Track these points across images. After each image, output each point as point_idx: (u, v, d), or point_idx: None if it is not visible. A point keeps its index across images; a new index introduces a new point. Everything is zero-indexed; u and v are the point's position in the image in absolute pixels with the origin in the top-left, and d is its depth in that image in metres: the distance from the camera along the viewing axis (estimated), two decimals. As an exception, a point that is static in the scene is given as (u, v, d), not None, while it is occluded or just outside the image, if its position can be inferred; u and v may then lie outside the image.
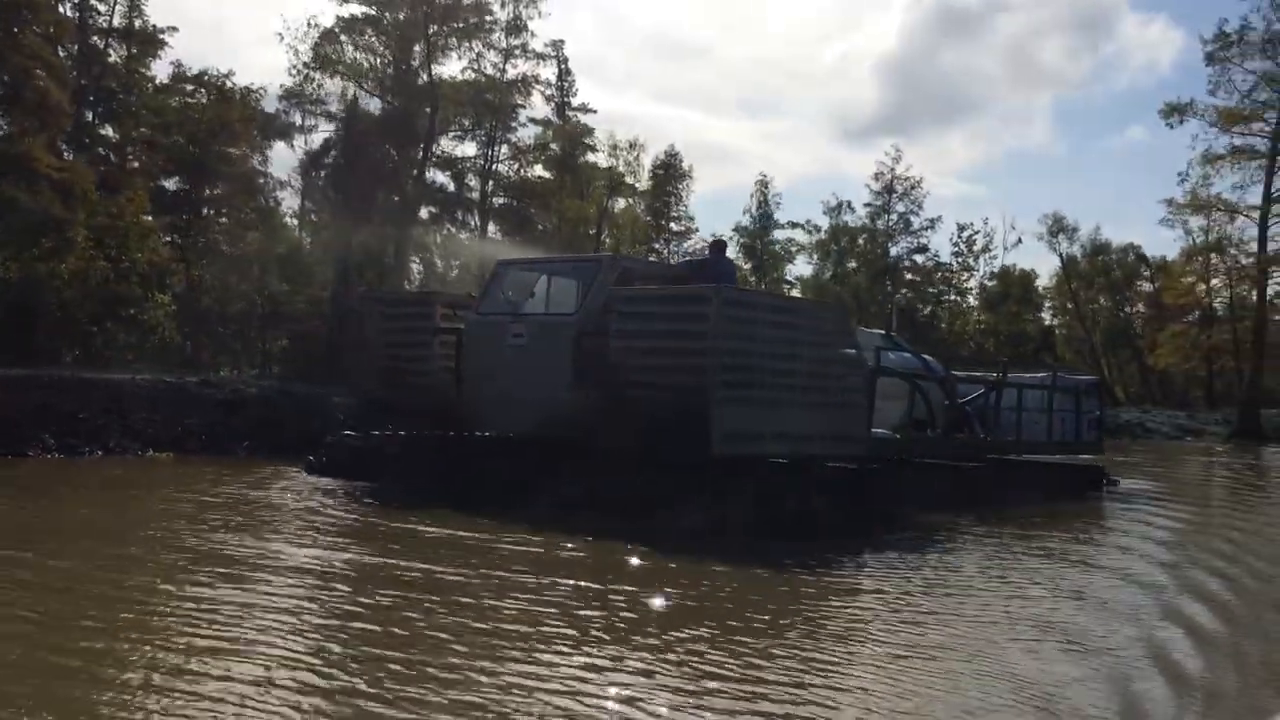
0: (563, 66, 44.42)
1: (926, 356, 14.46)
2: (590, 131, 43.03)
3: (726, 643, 5.70)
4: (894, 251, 55.07)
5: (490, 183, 42.81)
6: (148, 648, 5.15)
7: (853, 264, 55.14)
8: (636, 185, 43.51)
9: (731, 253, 48.52)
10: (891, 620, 6.55)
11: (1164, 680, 5.36)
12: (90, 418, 14.81)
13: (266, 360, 32.78)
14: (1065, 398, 15.78)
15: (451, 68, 40.26)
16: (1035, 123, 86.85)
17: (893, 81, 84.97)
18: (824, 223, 55.43)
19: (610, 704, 4.64)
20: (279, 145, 39.49)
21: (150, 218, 30.88)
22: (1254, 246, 40.31)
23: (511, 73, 41.92)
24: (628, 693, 4.77)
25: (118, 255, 29.98)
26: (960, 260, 57.55)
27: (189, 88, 36.48)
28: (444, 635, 5.63)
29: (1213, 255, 42.01)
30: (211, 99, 34.86)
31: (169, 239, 32.56)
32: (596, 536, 8.98)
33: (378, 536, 8.98)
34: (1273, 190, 38.84)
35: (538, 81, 42.65)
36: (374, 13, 38.78)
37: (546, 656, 5.30)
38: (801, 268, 57.12)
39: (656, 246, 43.40)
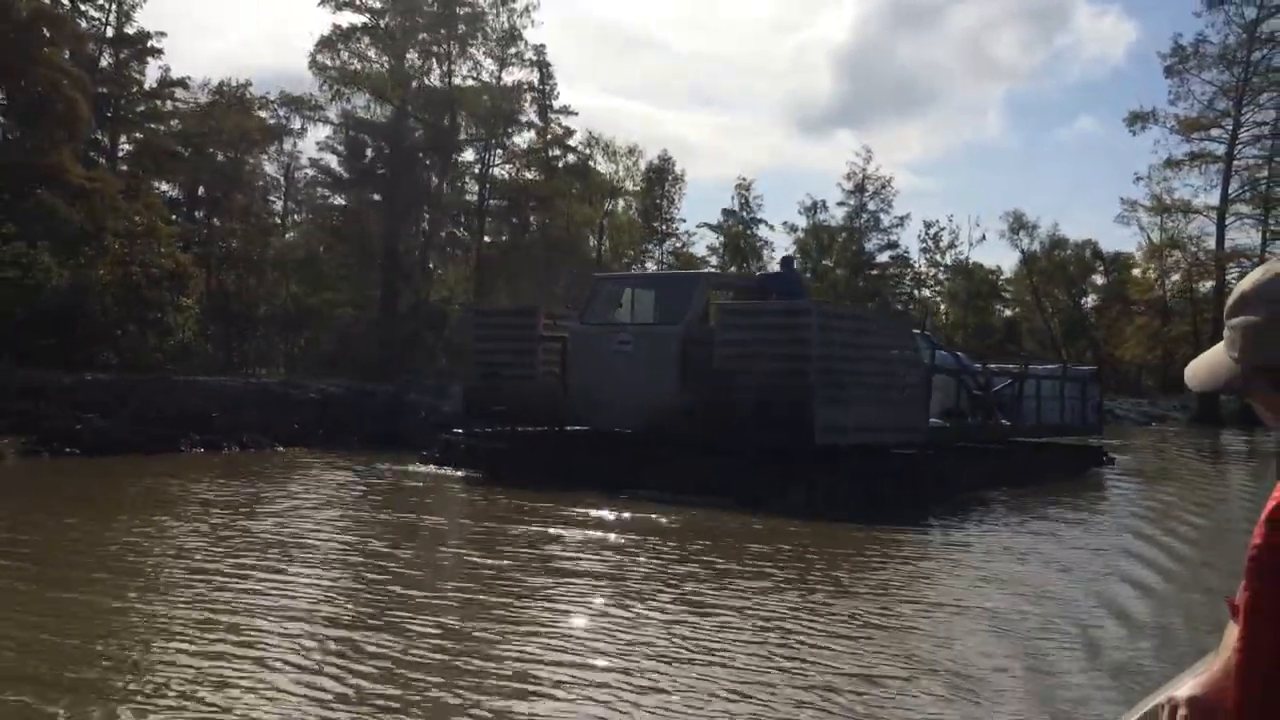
0: (544, 70, 46.06)
1: (959, 353, 16.55)
2: (572, 134, 44.60)
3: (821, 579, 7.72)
4: (867, 248, 57.48)
5: (488, 186, 44.43)
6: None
7: (829, 261, 57.41)
8: (630, 188, 45.27)
9: (714, 241, 50.36)
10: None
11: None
12: (220, 417, 16.45)
13: (291, 361, 34.17)
14: (1073, 386, 17.97)
15: (455, 77, 41.69)
16: (989, 115, 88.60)
17: (848, 73, 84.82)
18: (801, 221, 57.59)
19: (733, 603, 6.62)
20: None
21: (162, 223, 32.15)
22: (1209, 243, 43.25)
23: (507, 79, 43.48)
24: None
25: (145, 260, 31.30)
26: (929, 257, 60.15)
27: (186, 94, 37.45)
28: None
29: (1174, 252, 44.79)
30: (231, 108, 36.11)
31: (184, 245, 33.83)
32: (706, 509, 10.96)
33: (520, 511, 10.88)
34: (1229, 191, 41.72)
35: (533, 88, 44.30)
36: (369, 20, 39.93)
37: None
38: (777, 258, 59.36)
39: (649, 247, 45.19)
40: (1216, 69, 41.64)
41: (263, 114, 38.69)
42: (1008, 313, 66.00)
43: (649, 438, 13.27)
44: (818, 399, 12.05)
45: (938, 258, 61.26)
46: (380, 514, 10.89)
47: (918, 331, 17.15)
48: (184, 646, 5.48)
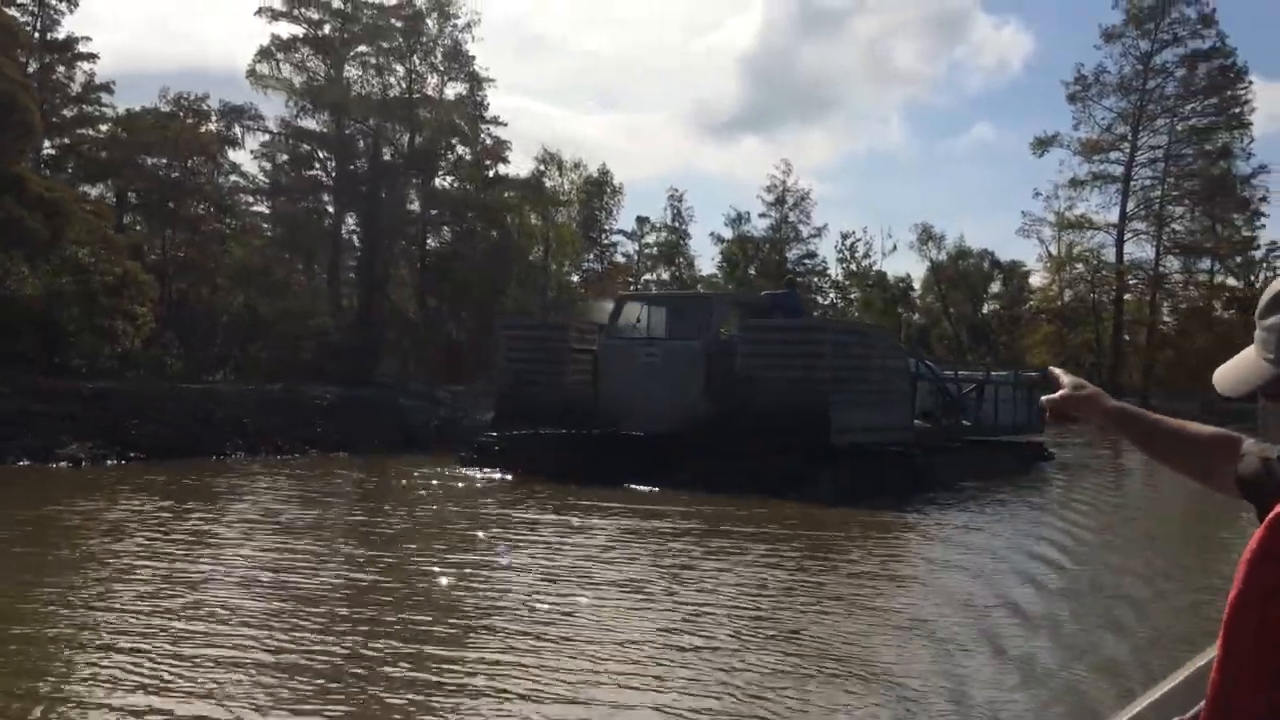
0: (477, 83, 47.21)
1: (929, 362, 18.74)
2: (505, 145, 45.83)
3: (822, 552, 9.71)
4: (789, 258, 60.20)
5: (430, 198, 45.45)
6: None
7: (752, 270, 59.90)
8: (566, 199, 46.84)
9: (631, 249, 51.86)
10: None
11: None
12: (252, 423, 17.64)
13: (247, 368, 34.80)
14: (1022, 391, 20.32)
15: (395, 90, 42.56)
16: (891, 122, 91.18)
17: (753, 78, 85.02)
18: (727, 232, 60.02)
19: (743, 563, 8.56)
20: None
21: (111, 232, 32.54)
22: (1107, 255, 46.99)
23: (449, 93, 44.55)
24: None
25: (103, 269, 31.75)
26: (845, 266, 63.20)
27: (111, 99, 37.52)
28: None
29: (1077, 265, 48.42)
30: (188, 121, 36.60)
31: (132, 253, 34.12)
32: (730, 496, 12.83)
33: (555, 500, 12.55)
34: (1127, 209, 45.45)
35: (478, 104, 45.48)
36: (308, 31, 40.49)
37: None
38: (705, 268, 61.62)
39: (590, 258, 46.78)
40: (1115, 96, 45.46)
41: (212, 125, 39.18)
42: (918, 319, 69.68)
43: (677, 439, 14.98)
44: (832, 405, 13.99)
45: (853, 267, 64.42)
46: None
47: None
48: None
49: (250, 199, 43.06)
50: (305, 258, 41.35)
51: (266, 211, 43.80)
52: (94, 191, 37.22)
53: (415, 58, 42.17)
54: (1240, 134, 45.94)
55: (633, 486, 13.72)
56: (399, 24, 43.09)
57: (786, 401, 14.05)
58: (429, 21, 39.91)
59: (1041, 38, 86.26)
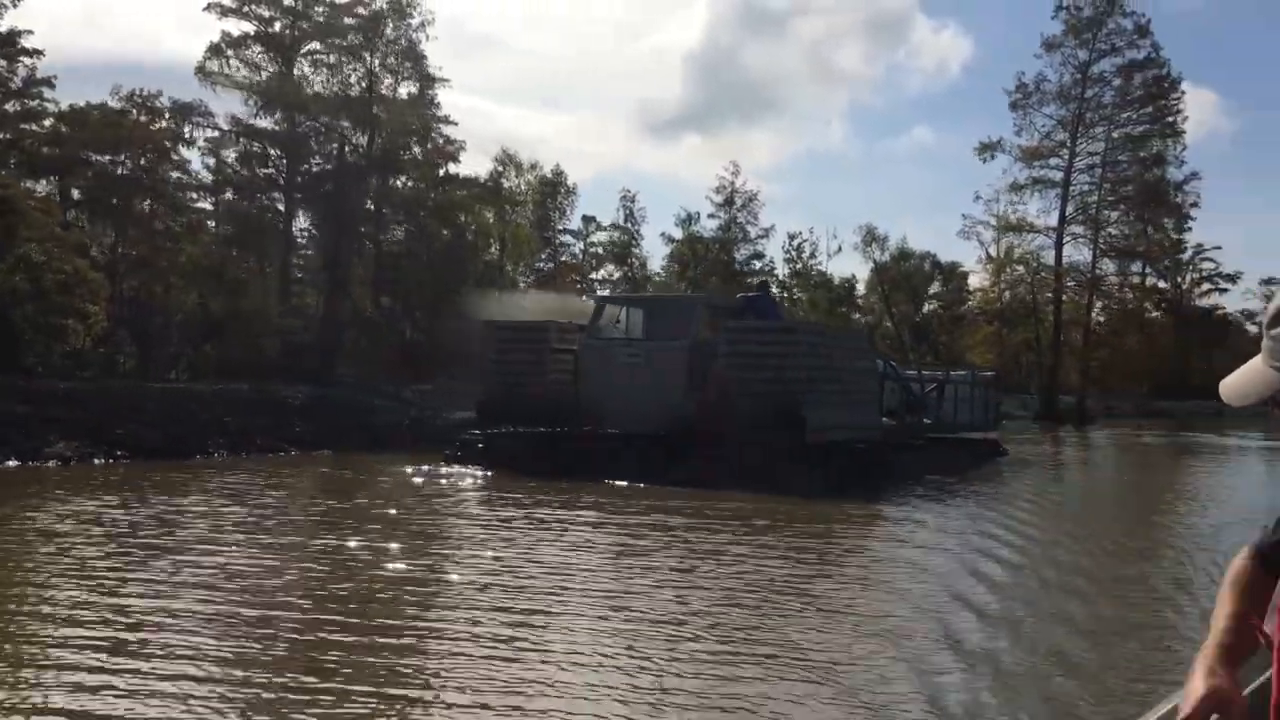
0: (427, 82, 47.33)
1: (893, 362, 19.53)
2: (453, 143, 46.02)
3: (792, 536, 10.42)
4: (738, 258, 61.14)
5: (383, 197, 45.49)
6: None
7: (704, 268, 60.71)
8: (522, 200, 47.21)
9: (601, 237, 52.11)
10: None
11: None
12: (231, 422, 17.85)
13: (203, 366, 34.66)
14: (979, 391, 21.24)
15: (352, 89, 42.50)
16: (833, 123, 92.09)
17: (697, 78, 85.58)
18: (677, 232, 60.75)
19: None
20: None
21: (59, 229, 32.23)
22: (1046, 257, 48.57)
23: (402, 92, 44.58)
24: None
25: (55, 267, 31.50)
26: (792, 266, 64.32)
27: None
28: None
29: (1018, 267, 49.96)
30: (140, 119, 36.29)
31: (80, 251, 33.77)
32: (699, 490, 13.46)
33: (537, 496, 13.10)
34: (1066, 213, 47.10)
35: (431, 103, 45.58)
36: (258, 28, 40.23)
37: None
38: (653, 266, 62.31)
39: (543, 257, 47.17)
40: (1055, 104, 47.05)
41: (165, 122, 38.83)
42: (862, 319, 71.14)
43: (660, 437, 15.52)
44: (807, 404, 14.66)
45: (799, 267, 65.59)
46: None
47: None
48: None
49: (194, 195, 42.72)
50: (257, 256, 41.14)
51: (209, 208, 43.57)
52: (38, 188, 36.73)
53: (371, 56, 42.16)
54: (1173, 142, 47.94)
55: (613, 483, 14.24)
56: (351, 22, 43.06)
57: (765, 401, 14.66)
58: (387, 21, 39.88)
59: (980, 42, 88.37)
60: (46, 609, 6.77)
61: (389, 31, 39.01)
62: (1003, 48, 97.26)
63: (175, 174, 38.99)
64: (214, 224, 42.29)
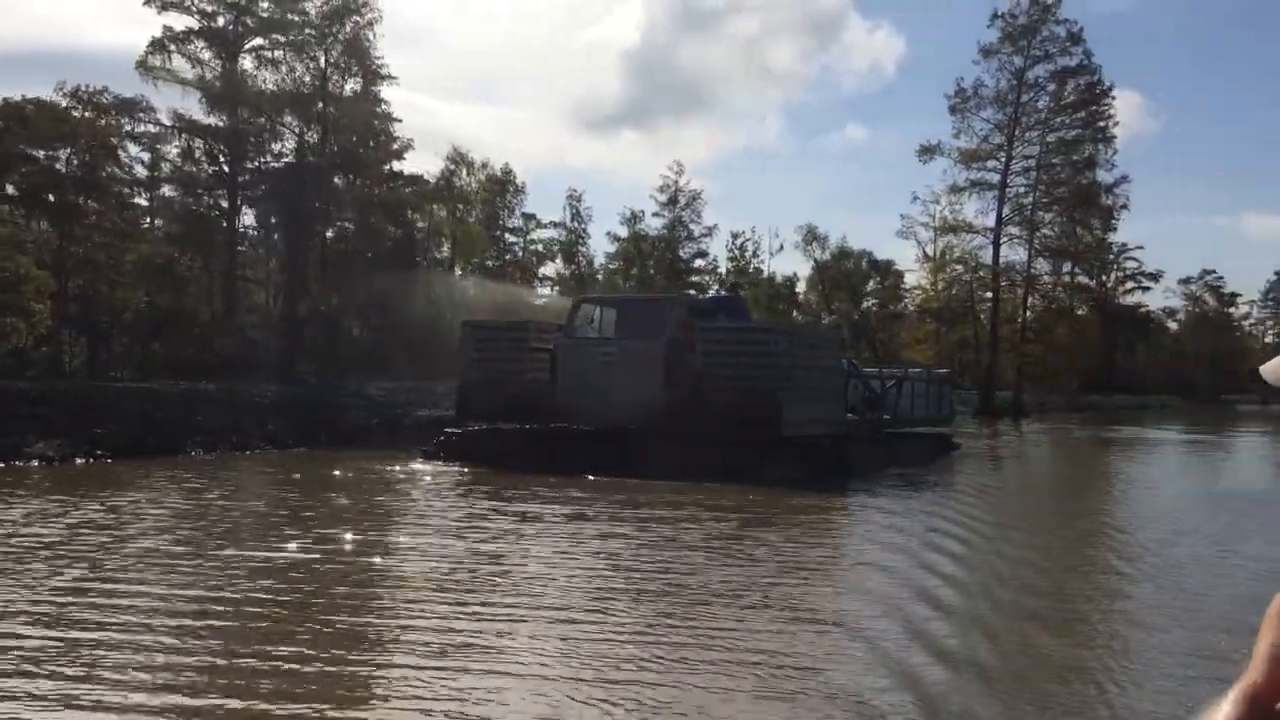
0: (375, 78, 47.14)
1: (853, 360, 20.27)
2: (410, 143, 46.00)
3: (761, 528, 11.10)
4: (682, 256, 61.91)
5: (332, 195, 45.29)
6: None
7: (650, 266, 61.34)
8: (474, 198, 47.37)
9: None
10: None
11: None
12: (204, 421, 17.96)
13: (150, 364, 34.32)
14: (934, 388, 22.07)
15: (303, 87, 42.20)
16: (768, 120, 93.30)
17: (633, 73, 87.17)
18: (622, 231, 61.31)
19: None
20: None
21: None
22: (984, 256, 50.08)
23: (348, 89, 44.35)
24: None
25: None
26: (736, 264, 65.26)
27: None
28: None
29: (956, 266, 51.49)
30: (86, 116, 35.76)
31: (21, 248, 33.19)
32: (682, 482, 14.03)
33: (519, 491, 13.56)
34: (1003, 215, 48.61)
35: (377, 99, 45.44)
36: (200, 23, 39.71)
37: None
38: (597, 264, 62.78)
39: (492, 255, 47.36)
40: (992, 109, 48.55)
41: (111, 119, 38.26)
42: (802, 318, 72.40)
43: (638, 433, 16.01)
44: (782, 401, 15.28)
45: (742, 265, 66.57)
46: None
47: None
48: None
49: (127, 190, 42.08)
50: (203, 254, 40.73)
51: (144, 205, 42.94)
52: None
53: (325, 53, 41.89)
54: (1104, 146, 49.74)
55: (592, 477, 14.69)
56: (295, 18, 42.71)
57: (741, 397, 15.27)
58: (344, 18, 39.74)
59: (912, 41, 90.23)
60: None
61: (347, 28, 38.74)
62: (935, 48, 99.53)
63: (115, 169, 38.45)
64: (151, 220, 41.78)
